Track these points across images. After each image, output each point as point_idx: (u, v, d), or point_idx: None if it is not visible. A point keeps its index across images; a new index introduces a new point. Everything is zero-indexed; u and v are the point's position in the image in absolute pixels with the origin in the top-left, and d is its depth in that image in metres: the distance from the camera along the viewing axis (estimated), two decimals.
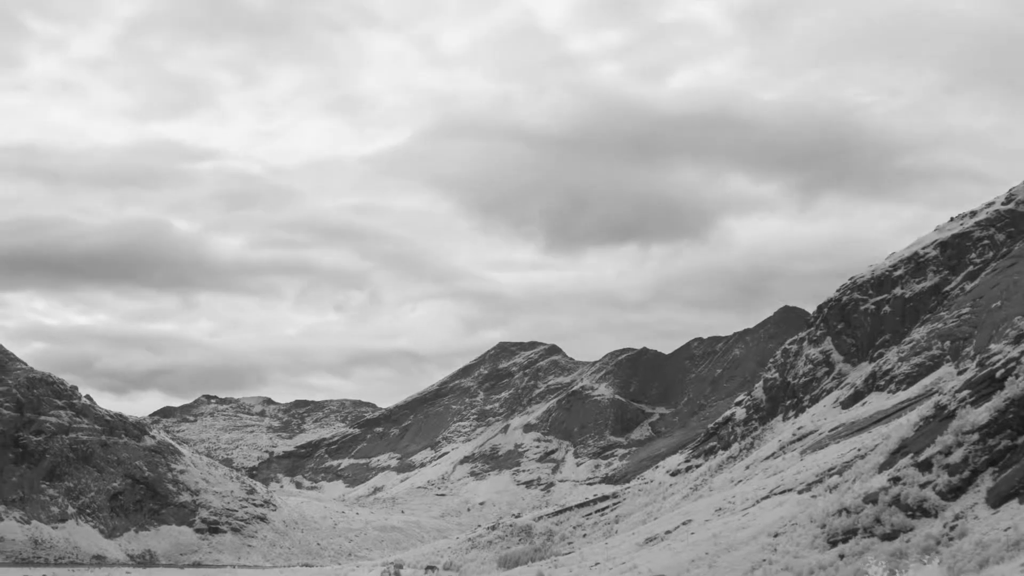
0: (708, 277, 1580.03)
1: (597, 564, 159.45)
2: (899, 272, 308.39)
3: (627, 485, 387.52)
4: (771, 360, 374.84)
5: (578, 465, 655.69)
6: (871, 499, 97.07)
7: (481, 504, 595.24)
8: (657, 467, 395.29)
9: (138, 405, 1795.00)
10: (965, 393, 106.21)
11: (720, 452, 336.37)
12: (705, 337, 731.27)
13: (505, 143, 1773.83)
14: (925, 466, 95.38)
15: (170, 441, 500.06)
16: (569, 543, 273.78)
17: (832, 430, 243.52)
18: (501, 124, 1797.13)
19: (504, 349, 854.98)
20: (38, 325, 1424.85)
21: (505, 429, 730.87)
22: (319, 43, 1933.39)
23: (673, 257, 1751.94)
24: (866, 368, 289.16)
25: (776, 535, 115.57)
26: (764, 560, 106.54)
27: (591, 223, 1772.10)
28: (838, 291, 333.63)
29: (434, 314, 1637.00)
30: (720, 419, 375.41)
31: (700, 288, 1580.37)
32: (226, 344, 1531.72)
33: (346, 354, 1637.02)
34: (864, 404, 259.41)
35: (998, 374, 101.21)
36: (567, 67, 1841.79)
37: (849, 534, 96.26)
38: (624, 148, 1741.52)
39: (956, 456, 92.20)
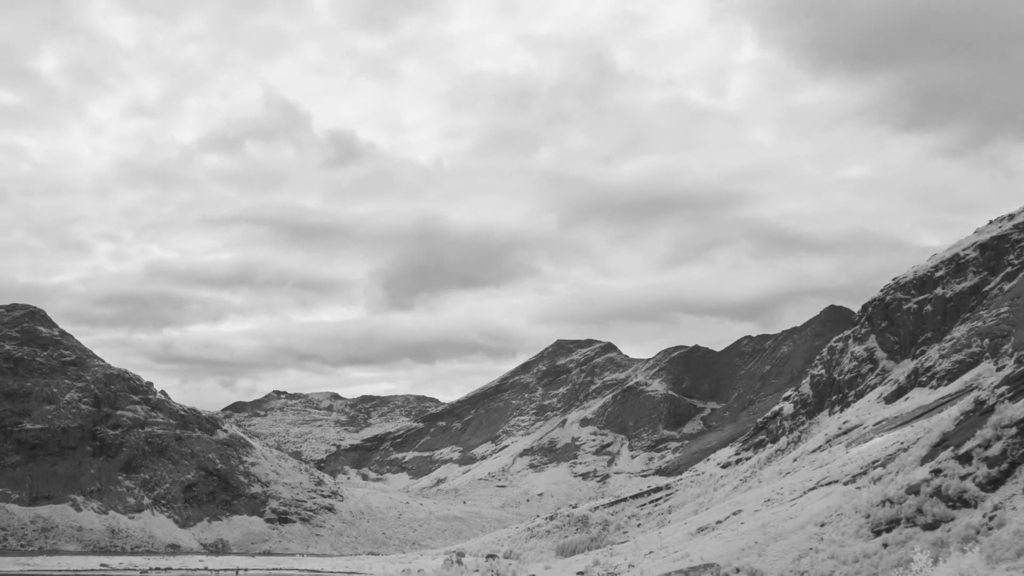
0: None
1: (651, 552, 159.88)
2: (940, 273, 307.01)
3: (679, 477, 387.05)
4: (817, 357, 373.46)
5: (632, 458, 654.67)
6: (913, 490, 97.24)
7: (540, 495, 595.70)
8: (708, 460, 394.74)
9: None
10: (1004, 388, 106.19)
11: (769, 445, 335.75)
12: (754, 335, 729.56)
13: None
14: (965, 459, 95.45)
15: (242, 435, 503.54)
16: (624, 532, 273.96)
17: (876, 424, 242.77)
18: None
19: (561, 346, 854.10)
20: None
21: (563, 423, 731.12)
22: None
23: None
24: (908, 365, 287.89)
25: (823, 525, 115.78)
26: (811, 549, 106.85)
27: None
28: (882, 291, 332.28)
29: None
30: (769, 414, 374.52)
31: None
32: None
33: None
34: (906, 399, 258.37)
35: None
36: None
37: (892, 524, 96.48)
38: None
39: (995, 449, 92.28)
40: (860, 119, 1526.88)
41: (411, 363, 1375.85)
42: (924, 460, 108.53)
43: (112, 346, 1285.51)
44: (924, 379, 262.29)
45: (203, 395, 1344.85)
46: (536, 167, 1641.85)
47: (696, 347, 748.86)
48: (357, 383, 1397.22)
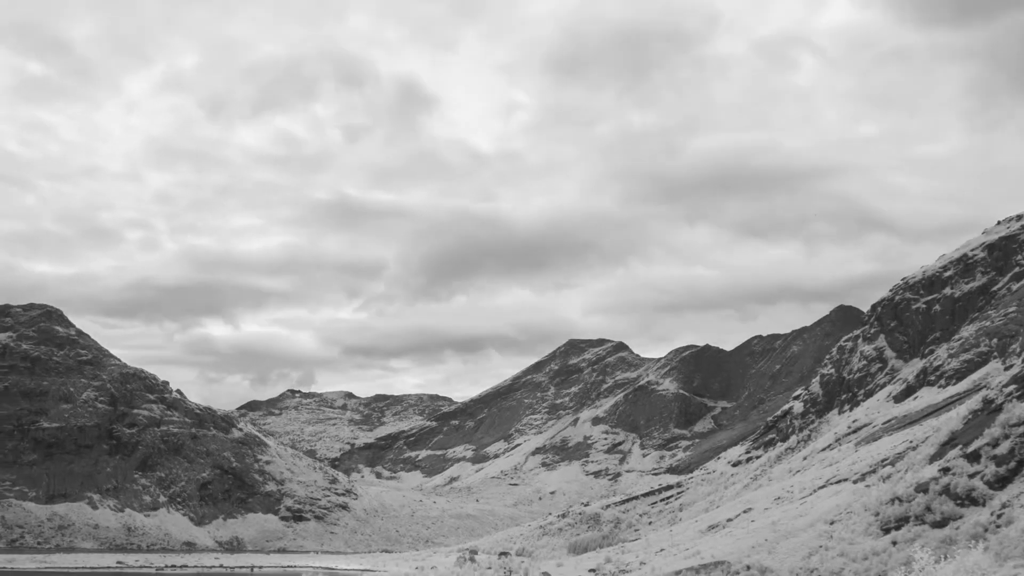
0: None
1: (662, 550, 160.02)
2: (949, 273, 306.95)
3: (690, 475, 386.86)
4: (827, 356, 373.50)
5: (644, 456, 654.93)
6: (922, 489, 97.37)
7: (552, 493, 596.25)
8: (719, 458, 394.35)
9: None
10: (1012, 388, 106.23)
11: (779, 444, 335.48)
12: (764, 335, 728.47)
13: None
14: (973, 457, 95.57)
15: (256, 433, 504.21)
16: (635, 530, 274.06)
17: (885, 423, 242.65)
18: None
19: (574, 346, 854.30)
20: None
21: (575, 422, 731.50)
22: None
23: None
24: (917, 364, 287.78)
25: (832, 523, 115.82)
26: (821, 546, 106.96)
27: None
28: (891, 291, 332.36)
29: None
30: (779, 412, 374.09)
31: None
32: None
33: None
34: (915, 398, 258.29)
35: None
36: None
37: (901, 522, 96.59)
38: None
39: (1003, 447, 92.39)
40: (959, 81, 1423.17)
41: (454, 354, 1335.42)
42: (933, 458, 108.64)
43: (141, 338, 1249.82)
44: (933, 378, 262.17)
45: (233, 389, 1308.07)
46: (596, 143, 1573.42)
47: (707, 346, 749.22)
48: (398, 374, 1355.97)
